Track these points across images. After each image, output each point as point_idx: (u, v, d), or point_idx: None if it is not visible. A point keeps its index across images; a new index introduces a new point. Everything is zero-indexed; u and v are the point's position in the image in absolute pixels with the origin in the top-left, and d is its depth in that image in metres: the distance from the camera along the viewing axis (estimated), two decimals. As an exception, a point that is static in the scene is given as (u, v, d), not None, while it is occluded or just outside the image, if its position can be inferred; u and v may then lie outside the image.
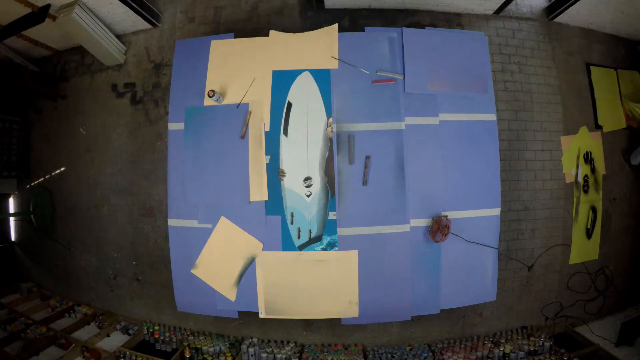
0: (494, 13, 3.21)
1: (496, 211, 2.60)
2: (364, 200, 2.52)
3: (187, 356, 3.02)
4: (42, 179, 3.90)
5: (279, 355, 2.97)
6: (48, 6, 2.97)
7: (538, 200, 3.22)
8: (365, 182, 2.50)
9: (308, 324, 3.14)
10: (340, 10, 3.17)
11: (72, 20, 2.97)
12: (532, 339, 3.02)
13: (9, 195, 4.18)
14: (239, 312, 2.75)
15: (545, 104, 3.26)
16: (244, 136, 2.56)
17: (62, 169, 3.77)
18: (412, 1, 3.09)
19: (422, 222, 2.54)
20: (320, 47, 2.59)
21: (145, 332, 3.26)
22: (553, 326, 3.21)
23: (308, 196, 2.57)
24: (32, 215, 3.96)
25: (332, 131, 2.56)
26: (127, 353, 2.96)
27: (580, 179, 3.31)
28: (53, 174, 3.83)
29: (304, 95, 2.60)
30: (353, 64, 2.56)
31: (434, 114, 2.58)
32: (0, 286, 3.88)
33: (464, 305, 2.78)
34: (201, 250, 2.62)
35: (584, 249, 3.31)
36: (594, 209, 3.34)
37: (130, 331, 3.32)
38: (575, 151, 3.31)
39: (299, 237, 2.58)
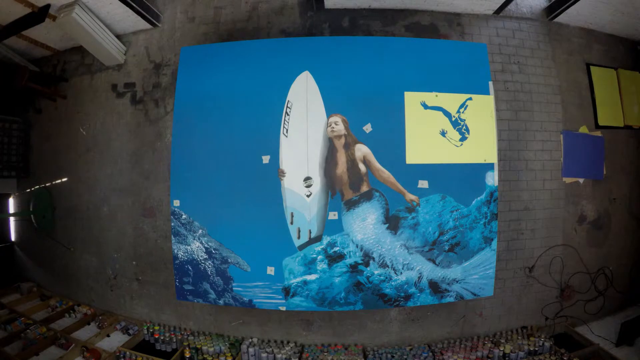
0: (494, 13, 3.21)
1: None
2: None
3: (187, 356, 3.02)
4: (45, 184, 3.90)
5: (279, 355, 2.96)
6: (48, 6, 2.97)
7: (538, 200, 3.22)
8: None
9: (308, 324, 3.15)
10: (340, 10, 3.16)
11: (72, 20, 2.98)
12: (532, 339, 3.02)
13: (9, 195, 4.19)
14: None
15: (545, 104, 3.26)
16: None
17: (64, 179, 3.78)
18: (412, 1, 3.09)
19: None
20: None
21: (145, 332, 3.26)
22: (553, 326, 3.22)
23: (308, 196, 2.57)
24: (32, 215, 3.96)
25: (332, 131, 2.56)
26: (127, 353, 2.96)
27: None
28: (54, 182, 3.83)
29: (304, 95, 2.61)
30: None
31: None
32: (0, 286, 3.88)
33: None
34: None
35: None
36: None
37: (130, 331, 3.32)
38: (576, 151, 3.32)
39: (298, 237, 2.58)
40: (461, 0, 3.07)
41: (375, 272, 2.59)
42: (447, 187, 2.60)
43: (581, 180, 3.33)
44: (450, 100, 2.63)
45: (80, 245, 3.71)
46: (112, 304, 3.59)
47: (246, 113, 2.64)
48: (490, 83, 2.66)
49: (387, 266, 2.59)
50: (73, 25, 3.04)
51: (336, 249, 2.58)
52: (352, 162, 2.57)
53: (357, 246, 2.58)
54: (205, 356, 2.99)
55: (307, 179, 2.57)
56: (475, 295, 2.65)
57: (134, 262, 3.47)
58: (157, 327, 3.26)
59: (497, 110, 3.05)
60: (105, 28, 3.26)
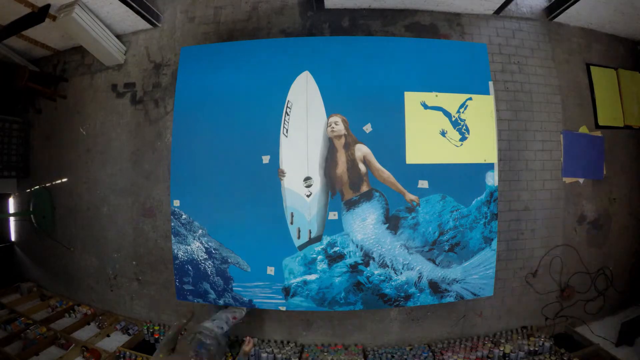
0: (494, 13, 3.22)
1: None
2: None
3: (187, 356, 3.01)
4: (45, 184, 3.91)
5: (279, 355, 2.96)
6: (48, 6, 2.97)
7: (538, 200, 3.22)
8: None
9: (308, 324, 3.15)
10: (340, 10, 3.17)
11: (72, 20, 2.98)
12: (532, 339, 3.01)
13: (9, 195, 4.19)
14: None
15: (545, 104, 3.27)
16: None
17: (64, 179, 3.79)
18: (412, 1, 3.09)
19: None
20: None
21: (145, 332, 3.26)
22: (553, 326, 3.22)
23: (308, 196, 2.57)
24: (32, 215, 3.96)
25: (332, 131, 2.56)
26: (127, 353, 2.95)
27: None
28: (54, 182, 3.84)
29: (304, 95, 2.60)
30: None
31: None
32: (0, 286, 3.88)
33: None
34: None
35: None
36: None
37: (130, 331, 3.32)
38: (576, 151, 3.32)
39: (298, 237, 2.58)
40: (461, 0, 3.07)
41: (375, 272, 2.59)
42: (447, 187, 2.59)
43: (581, 180, 3.33)
44: (450, 100, 2.62)
45: (80, 245, 3.71)
46: (112, 304, 3.60)
47: (246, 113, 2.63)
48: (490, 83, 2.66)
49: (387, 266, 2.59)
50: (73, 25, 3.04)
51: (336, 249, 2.58)
52: (352, 162, 2.57)
53: (357, 246, 2.58)
54: (205, 356, 2.98)
55: (307, 179, 2.57)
56: (475, 295, 2.65)
57: (134, 262, 3.47)
58: (157, 327, 3.25)
59: (497, 110, 3.06)
60: (105, 28, 3.26)
